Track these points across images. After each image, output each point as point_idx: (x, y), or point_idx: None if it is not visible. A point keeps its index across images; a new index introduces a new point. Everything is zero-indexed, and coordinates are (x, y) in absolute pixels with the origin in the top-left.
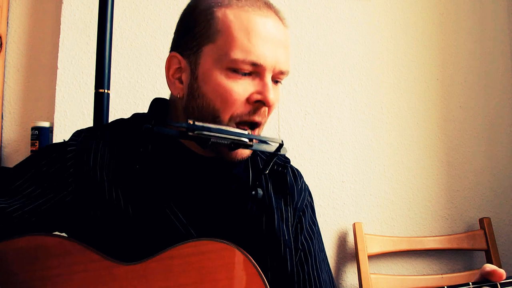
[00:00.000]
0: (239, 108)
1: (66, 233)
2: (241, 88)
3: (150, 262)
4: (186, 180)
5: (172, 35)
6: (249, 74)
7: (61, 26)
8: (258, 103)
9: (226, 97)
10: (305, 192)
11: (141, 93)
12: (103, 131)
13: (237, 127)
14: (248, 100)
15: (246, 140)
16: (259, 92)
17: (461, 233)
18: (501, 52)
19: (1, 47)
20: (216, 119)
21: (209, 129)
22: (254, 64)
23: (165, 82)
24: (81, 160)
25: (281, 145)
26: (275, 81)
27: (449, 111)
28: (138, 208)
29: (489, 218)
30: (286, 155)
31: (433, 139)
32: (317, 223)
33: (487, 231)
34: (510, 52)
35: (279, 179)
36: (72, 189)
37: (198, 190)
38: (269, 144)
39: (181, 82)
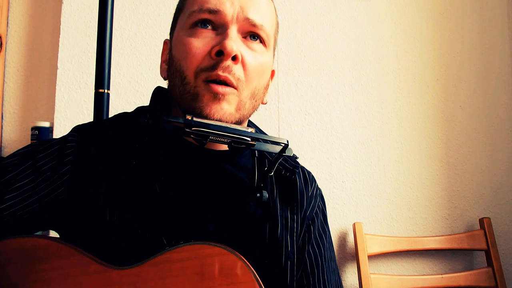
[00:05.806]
0: (202, 62)
1: (58, 233)
2: (202, 42)
3: (144, 266)
4: (185, 175)
5: None
6: (212, 28)
7: (61, 26)
8: (221, 57)
9: (186, 52)
10: (317, 198)
11: (141, 93)
12: (105, 127)
13: (208, 87)
14: (210, 54)
15: (248, 139)
16: (219, 43)
17: (461, 233)
18: (501, 52)
19: (1, 47)
20: (184, 80)
21: (208, 126)
22: (211, 12)
23: (165, 82)
24: (80, 156)
25: (286, 146)
26: (252, 36)
27: (449, 111)
28: (132, 209)
29: (489, 218)
30: (296, 160)
31: (433, 139)
32: (328, 230)
33: (487, 231)
34: (510, 52)
35: (287, 185)
36: (68, 186)
37: (197, 186)
38: (273, 144)
39: (165, 63)
